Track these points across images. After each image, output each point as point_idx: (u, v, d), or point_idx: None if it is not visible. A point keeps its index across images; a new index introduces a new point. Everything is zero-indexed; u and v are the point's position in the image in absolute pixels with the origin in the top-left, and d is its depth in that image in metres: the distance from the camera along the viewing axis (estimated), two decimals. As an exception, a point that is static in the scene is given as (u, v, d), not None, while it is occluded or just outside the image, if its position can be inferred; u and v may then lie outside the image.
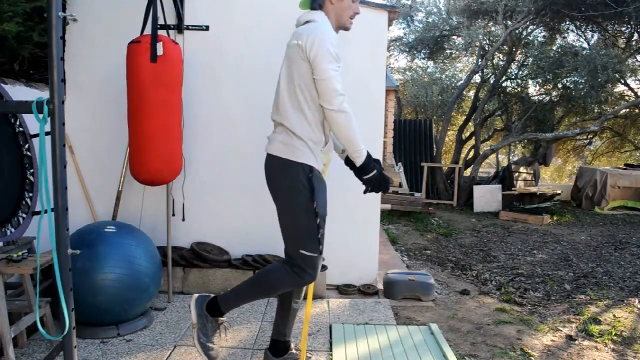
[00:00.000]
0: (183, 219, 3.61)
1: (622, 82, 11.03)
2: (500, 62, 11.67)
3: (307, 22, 2.18)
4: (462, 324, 3.33)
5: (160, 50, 2.91)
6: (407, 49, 13.29)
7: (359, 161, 2.16)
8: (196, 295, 2.30)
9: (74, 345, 1.73)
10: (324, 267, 3.57)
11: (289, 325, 2.46)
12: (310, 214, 2.12)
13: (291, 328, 2.48)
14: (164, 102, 3.01)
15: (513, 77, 11.73)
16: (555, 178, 18.57)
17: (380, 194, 3.78)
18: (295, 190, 2.12)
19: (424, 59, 13.86)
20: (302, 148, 2.12)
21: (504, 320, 3.41)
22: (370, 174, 2.18)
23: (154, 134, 3.00)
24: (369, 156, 2.17)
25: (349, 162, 2.30)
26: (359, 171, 2.20)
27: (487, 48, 11.30)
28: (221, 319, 2.28)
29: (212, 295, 2.31)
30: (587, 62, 9.20)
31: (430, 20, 12.45)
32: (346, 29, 2.29)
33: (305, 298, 2.50)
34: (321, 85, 2.05)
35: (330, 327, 3.07)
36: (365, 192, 2.25)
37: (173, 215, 3.52)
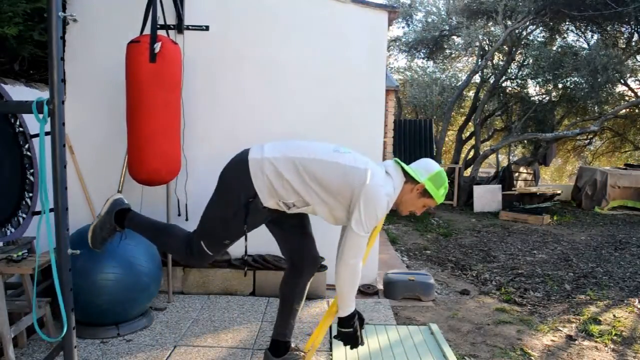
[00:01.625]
0: (187, 219, 3.60)
1: (622, 82, 11.03)
2: (500, 62, 11.67)
3: (388, 175, 2.19)
4: (462, 324, 3.33)
5: (157, 48, 2.91)
6: (407, 49, 13.29)
7: (341, 314, 2.24)
8: (118, 196, 2.42)
9: (74, 345, 1.73)
10: (324, 267, 3.57)
11: (289, 325, 2.46)
12: (225, 224, 2.19)
13: (292, 328, 2.48)
14: (163, 102, 3.01)
15: (513, 77, 11.73)
16: (555, 178, 18.57)
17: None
18: (231, 195, 2.17)
19: (423, 59, 13.87)
20: (266, 183, 2.12)
21: (504, 320, 3.41)
22: (345, 329, 2.26)
23: (152, 134, 3.00)
24: (353, 314, 2.24)
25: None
26: (339, 322, 2.27)
27: (487, 48, 11.30)
28: (119, 227, 2.39)
29: (128, 207, 2.41)
30: (587, 63, 9.21)
31: (429, 20, 12.45)
32: (399, 211, 2.32)
33: (308, 299, 2.51)
34: (353, 236, 2.10)
35: (330, 327, 3.07)
36: (335, 337, 2.33)
37: (179, 215, 3.53)
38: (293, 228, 2.39)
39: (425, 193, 2.21)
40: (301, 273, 2.43)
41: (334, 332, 2.94)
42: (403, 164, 2.25)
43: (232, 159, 2.26)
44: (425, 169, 2.23)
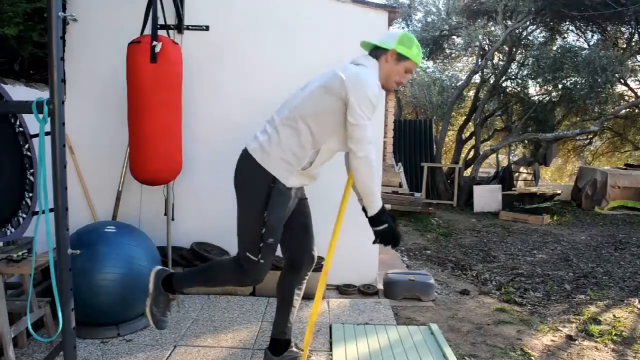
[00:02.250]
0: (172, 219, 3.57)
1: (622, 82, 11.03)
2: (500, 62, 11.66)
3: (359, 64, 2.18)
4: (462, 324, 3.33)
5: (158, 48, 2.91)
6: (407, 49, 13.25)
7: (370, 212, 2.16)
8: (157, 267, 2.38)
9: (74, 345, 1.74)
10: (321, 267, 3.56)
11: (288, 323, 2.46)
12: (259, 222, 2.13)
13: (291, 327, 2.49)
14: (164, 102, 3.01)
15: (513, 77, 11.73)
16: (555, 178, 18.56)
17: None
18: (253, 194, 2.14)
19: (423, 59, 13.85)
20: (276, 160, 2.11)
21: (504, 320, 3.41)
22: (380, 227, 2.17)
23: (153, 134, 3.00)
24: (382, 209, 2.16)
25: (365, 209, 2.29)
26: (370, 222, 2.20)
27: (487, 48, 11.29)
28: (173, 295, 2.36)
29: (171, 271, 2.38)
30: (587, 63, 9.20)
31: (429, 20, 12.44)
32: (388, 90, 2.31)
33: (305, 298, 2.51)
34: (354, 129, 2.05)
35: (330, 327, 3.07)
36: (374, 242, 2.23)
37: (172, 219, 3.51)
38: (296, 226, 2.38)
39: (400, 57, 2.19)
40: (299, 270, 2.44)
41: (334, 332, 2.95)
42: (368, 43, 2.25)
43: (237, 164, 2.24)
44: (390, 36, 2.23)
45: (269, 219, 2.13)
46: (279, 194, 2.13)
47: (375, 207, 2.15)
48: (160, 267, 2.39)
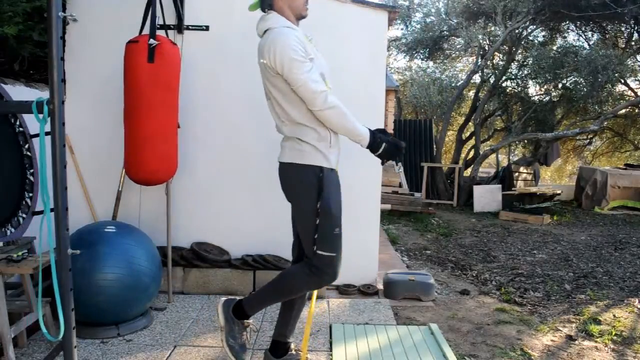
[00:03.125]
0: (169, 218, 3.56)
1: (622, 82, 11.03)
2: (500, 62, 11.66)
3: (265, 31, 2.16)
4: (462, 324, 3.33)
5: (153, 44, 2.90)
6: (406, 49, 13.28)
7: (364, 144, 2.17)
8: (223, 298, 2.33)
9: (74, 345, 1.74)
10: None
11: (290, 326, 2.45)
12: (322, 214, 2.12)
13: (293, 329, 2.48)
14: (161, 102, 3.01)
15: (513, 77, 11.72)
16: (555, 178, 18.57)
17: (379, 195, 3.80)
18: (305, 192, 2.15)
19: (423, 59, 13.86)
20: (310, 150, 2.14)
21: (504, 320, 3.41)
22: (380, 150, 2.17)
23: (149, 134, 3.00)
24: (372, 134, 2.16)
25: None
26: (370, 150, 2.21)
27: (487, 48, 11.29)
28: (247, 321, 2.32)
29: (238, 298, 2.33)
30: (587, 63, 9.20)
31: (428, 20, 12.44)
32: (304, 17, 2.27)
33: (309, 299, 2.51)
34: (300, 92, 2.06)
35: (330, 327, 3.07)
36: (382, 164, 2.27)
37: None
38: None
39: None
40: None
41: (334, 332, 2.95)
42: (254, 3, 2.26)
43: (281, 178, 2.25)
44: None
45: (330, 209, 2.13)
46: (329, 180, 2.15)
47: (364, 138, 2.15)
48: (224, 298, 2.34)
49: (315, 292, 2.38)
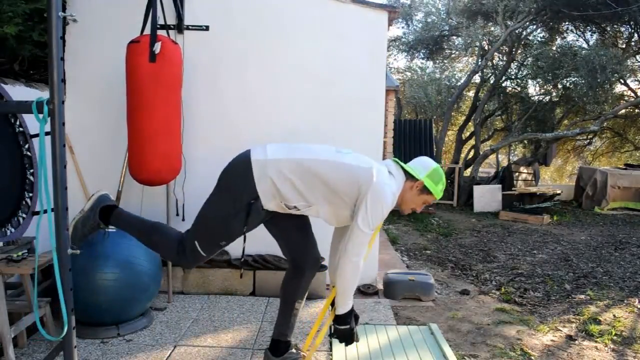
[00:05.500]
0: (183, 219, 3.61)
1: (622, 82, 11.03)
2: (500, 62, 11.66)
3: (391, 174, 2.23)
4: (462, 324, 3.33)
5: (157, 49, 2.91)
6: (407, 49, 13.28)
7: (340, 311, 2.27)
8: (104, 192, 2.36)
9: (74, 345, 1.73)
10: (324, 267, 3.57)
11: (290, 325, 2.46)
12: (227, 222, 2.16)
13: (292, 328, 2.48)
14: (163, 102, 3.01)
15: (513, 77, 11.73)
16: (555, 178, 18.56)
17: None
18: (233, 196, 2.16)
19: (423, 59, 13.87)
20: (269, 184, 2.12)
21: (504, 320, 3.41)
22: (342, 327, 2.29)
23: (152, 134, 3.00)
24: (350, 312, 2.28)
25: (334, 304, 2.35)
26: (335, 320, 2.29)
27: (487, 48, 11.29)
28: (102, 224, 2.33)
29: (114, 204, 2.35)
30: (586, 63, 9.20)
31: (429, 20, 12.44)
32: (400, 210, 2.36)
33: (308, 299, 2.51)
34: (358, 233, 2.12)
35: (331, 327, 3.06)
36: (331, 336, 2.37)
37: (177, 215, 3.52)
38: (294, 229, 2.39)
39: (424, 190, 2.26)
40: (303, 273, 2.43)
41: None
42: (402, 163, 2.30)
43: (234, 160, 2.25)
44: (423, 166, 2.29)
45: (234, 227, 2.16)
46: (255, 211, 2.15)
47: (346, 307, 2.26)
48: (105, 192, 2.36)
49: (330, 297, 2.37)
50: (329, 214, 2.20)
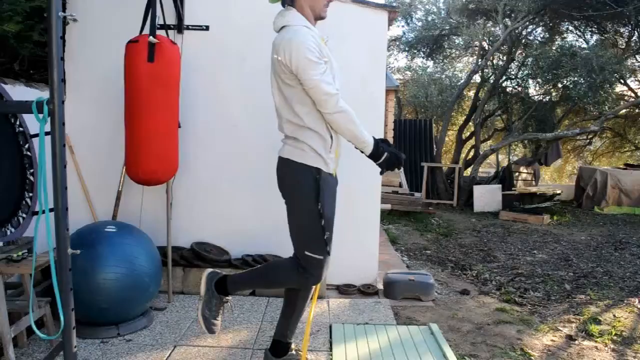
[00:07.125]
0: (169, 218, 3.56)
1: (622, 82, 11.03)
2: (500, 62, 11.66)
3: (282, 27, 2.17)
4: (462, 324, 3.33)
5: (153, 40, 2.90)
6: (407, 48, 13.28)
7: (367, 152, 2.17)
8: (209, 270, 2.35)
9: (74, 345, 1.74)
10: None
11: (291, 326, 2.45)
12: (315, 216, 2.13)
13: (294, 330, 2.48)
14: (161, 102, 3.01)
15: (513, 77, 11.73)
16: (555, 178, 18.57)
17: (379, 195, 3.80)
18: (301, 191, 2.15)
19: (423, 58, 13.87)
20: (310, 152, 2.14)
21: (504, 320, 3.41)
22: (381, 159, 2.17)
23: (149, 134, 3.00)
24: (376, 143, 2.17)
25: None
26: (371, 159, 2.21)
27: (487, 48, 11.29)
28: (227, 297, 2.33)
29: (224, 273, 2.35)
30: (585, 63, 9.20)
31: (429, 19, 12.44)
32: (322, 18, 2.27)
33: (311, 299, 2.50)
34: (311, 93, 2.06)
35: (330, 327, 3.07)
36: (381, 173, 2.27)
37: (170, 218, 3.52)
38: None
39: None
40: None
41: (334, 332, 2.95)
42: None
43: (278, 173, 2.25)
44: None
45: (324, 212, 2.14)
46: (326, 183, 2.15)
47: (368, 145, 2.15)
48: (212, 269, 2.36)
49: (316, 293, 2.37)
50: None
